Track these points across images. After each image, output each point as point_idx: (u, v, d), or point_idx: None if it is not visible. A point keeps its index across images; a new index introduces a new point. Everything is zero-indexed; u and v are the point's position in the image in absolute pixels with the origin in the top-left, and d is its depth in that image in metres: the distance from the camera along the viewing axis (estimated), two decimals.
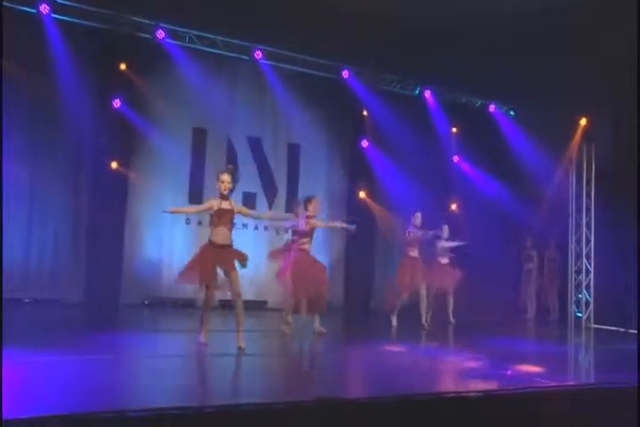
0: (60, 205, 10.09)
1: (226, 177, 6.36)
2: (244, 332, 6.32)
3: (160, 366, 5.55)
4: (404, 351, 7.05)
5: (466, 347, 7.85)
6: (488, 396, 4.56)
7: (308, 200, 7.97)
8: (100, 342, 6.41)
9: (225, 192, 6.35)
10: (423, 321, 9.31)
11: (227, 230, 6.36)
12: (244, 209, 6.73)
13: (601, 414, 4.71)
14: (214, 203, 6.37)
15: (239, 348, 6.20)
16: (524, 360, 6.59)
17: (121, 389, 4.48)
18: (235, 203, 6.56)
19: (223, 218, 6.33)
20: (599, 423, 4.66)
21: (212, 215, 6.50)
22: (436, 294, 9.66)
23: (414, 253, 9.25)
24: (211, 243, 6.37)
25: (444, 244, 9.88)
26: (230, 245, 6.43)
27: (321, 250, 11.60)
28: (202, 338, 6.42)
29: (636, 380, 5.11)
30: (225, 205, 6.35)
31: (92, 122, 9.90)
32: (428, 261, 9.55)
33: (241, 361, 6.05)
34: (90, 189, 10.18)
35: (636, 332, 9.61)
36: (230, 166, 6.74)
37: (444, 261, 9.95)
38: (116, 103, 10.17)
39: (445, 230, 9.87)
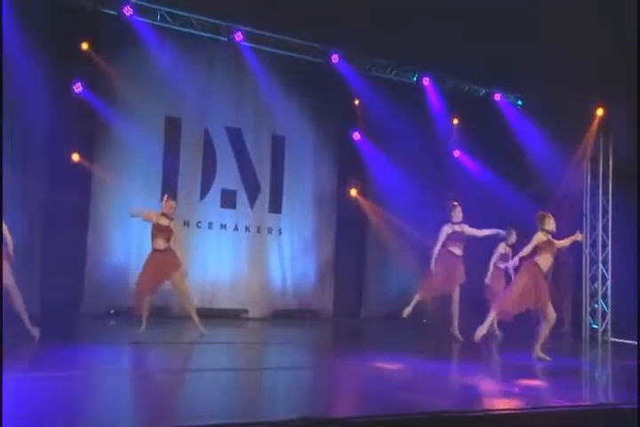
0: (11, 203, 9.89)
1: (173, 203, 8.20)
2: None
3: (126, 382, 5.51)
4: (399, 366, 6.99)
5: (471, 361, 7.87)
6: (490, 416, 4.52)
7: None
8: (59, 357, 6.31)
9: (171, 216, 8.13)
10: (454, 331, 8.98)
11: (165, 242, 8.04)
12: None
13: None
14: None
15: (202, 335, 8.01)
16: (532, 377, 6.62)
17: (83, 409, 4.39)
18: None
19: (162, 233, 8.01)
20: None
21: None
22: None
23: (457, 250, 9.07)
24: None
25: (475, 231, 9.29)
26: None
27: (308, 254, 11.61)
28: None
29: None
30: (164, 221, 8.03)
31: (49, 109, 9.77)
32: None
33: (219, 377, 5.99)
34: (46, 184, 10.04)
35: None
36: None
37: (458, 251, 9.17)
38: (77, 88, 10.15)
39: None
